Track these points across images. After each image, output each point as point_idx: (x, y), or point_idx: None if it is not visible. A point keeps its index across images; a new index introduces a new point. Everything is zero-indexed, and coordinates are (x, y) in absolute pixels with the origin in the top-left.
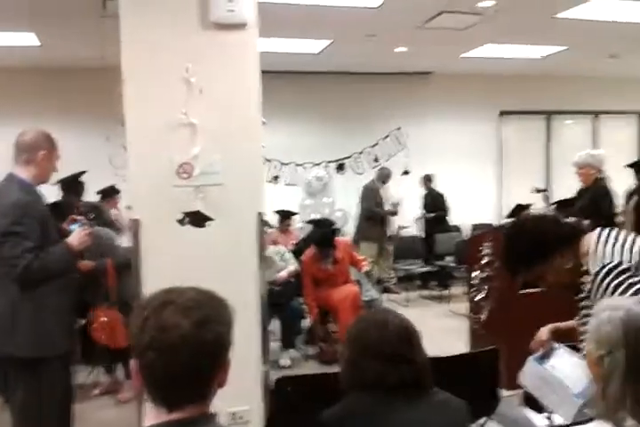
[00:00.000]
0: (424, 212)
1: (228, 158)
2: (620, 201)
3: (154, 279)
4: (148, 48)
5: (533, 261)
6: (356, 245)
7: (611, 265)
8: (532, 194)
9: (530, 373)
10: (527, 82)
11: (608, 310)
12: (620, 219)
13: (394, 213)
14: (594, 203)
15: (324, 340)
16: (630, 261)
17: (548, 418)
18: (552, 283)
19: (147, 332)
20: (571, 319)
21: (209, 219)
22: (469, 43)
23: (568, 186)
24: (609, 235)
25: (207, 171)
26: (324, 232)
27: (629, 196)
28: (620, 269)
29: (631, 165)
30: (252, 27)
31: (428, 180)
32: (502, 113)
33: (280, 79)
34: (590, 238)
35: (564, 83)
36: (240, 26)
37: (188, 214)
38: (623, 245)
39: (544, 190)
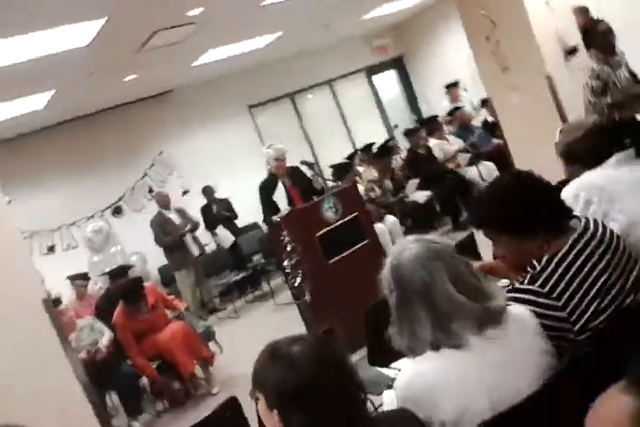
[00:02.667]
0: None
1: None
2: None
3: None
4: None
5: (506, 228)
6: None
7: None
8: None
9: None
10: (262, 71)
11: (390, 256)
12: None
13: (185, 235)
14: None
15: (167, 387)
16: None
17: (396, 368)
18: (502, 256)
19: None
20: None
21: None
22: (194, 52)
23: (329, 152)
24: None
25: None
26: (126, 286)
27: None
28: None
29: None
30: None
31: (206, 191)
32: (251, 106)
33: (15, 145)
34: (560, 251)
35: (292, 63)
36: None
37: None
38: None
39: (311, 163)
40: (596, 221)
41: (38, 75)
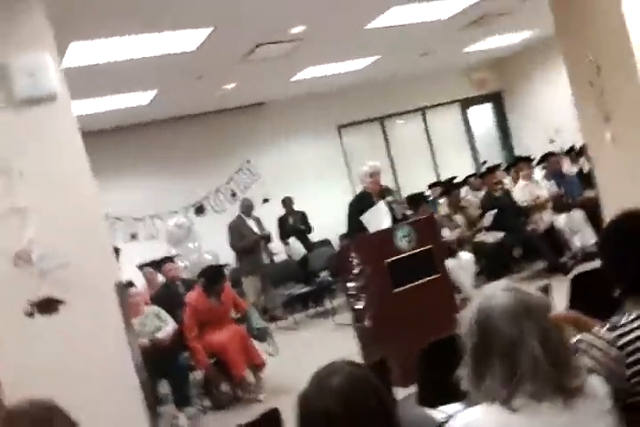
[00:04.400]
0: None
1: (70, 235)
2: None
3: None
4: None
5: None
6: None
7: None
8: None
9: None
10: (355, 93)
11: (479, 298)
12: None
13: (259, 241)
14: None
15: (216, 386)
16: None
17: (444, 412)
18: None
19: None
20: (446, 309)
21: (60, 302)
22: (293, 68)
23: (413, 182)
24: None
25: (49, 253)
26: (210, 268)
27: None
28: None
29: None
30: (63, 97)
31: (285, 202)
32: (340, 126)
33: (117, 135)
34: None
35: (388, 87)
36: (49, 98)
37: (36, 304)
38: None
39: (392, 190)
40: None
41: (146, 73)
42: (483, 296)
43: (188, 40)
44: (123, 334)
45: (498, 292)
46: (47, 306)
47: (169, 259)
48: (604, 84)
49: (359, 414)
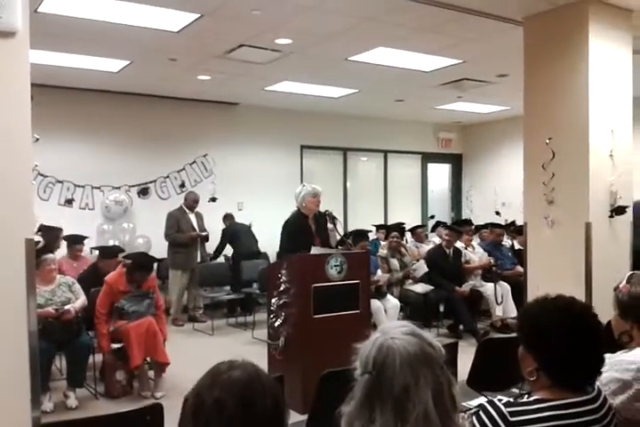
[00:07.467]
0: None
1: None
2: None
3: None
4: None
5: (531, 351)
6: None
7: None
8: None
9: None
10: (325, 119)
11: (378, 333)
12: None
13: (196, 239)
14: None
15: (112, 373)
16: None
17: None
18: None
19: None
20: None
21: None
22: (270, 78)
23: (360, 217)
24: None
25: None
26: (144, 255)
27: None
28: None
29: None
30: (23, 36)
31: (227, 218)
32: (303, 147)
33: (79, 96)
34: None
35: (358, 122)
36: (6, 34)
37: None
38: None
39: (335, 218)
40: (606, 398)
41: (123, 41)
42: (383, 333)
43: (174, 20)
44: (23, 297)
45: (400, 334)
46: None
47: (118, 251)
48: (556, 169)
49: (254, 411)
